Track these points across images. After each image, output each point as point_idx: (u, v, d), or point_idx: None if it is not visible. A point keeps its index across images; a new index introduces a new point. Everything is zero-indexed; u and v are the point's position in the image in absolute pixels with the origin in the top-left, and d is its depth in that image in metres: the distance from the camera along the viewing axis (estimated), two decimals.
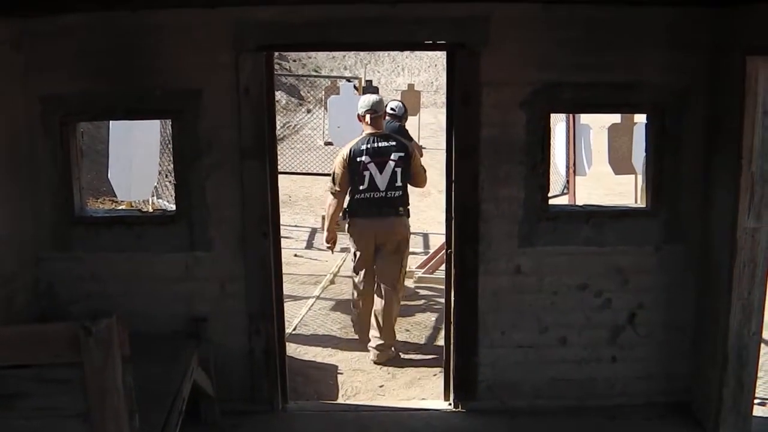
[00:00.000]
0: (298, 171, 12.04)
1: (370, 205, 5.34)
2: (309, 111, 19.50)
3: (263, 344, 4.16)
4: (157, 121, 6.35)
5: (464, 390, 4.25)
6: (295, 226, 10.01)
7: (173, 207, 4.28)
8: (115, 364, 2.26)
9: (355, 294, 5.64)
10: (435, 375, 5.01)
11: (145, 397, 2.62)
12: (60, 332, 2.26)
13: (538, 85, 3.95)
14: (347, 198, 5.45)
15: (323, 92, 14.48)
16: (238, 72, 3.93)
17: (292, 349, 5.35)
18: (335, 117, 9.37)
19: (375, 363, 5.26)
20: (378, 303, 5.42)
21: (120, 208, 8.45)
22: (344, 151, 5.49)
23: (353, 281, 5.69)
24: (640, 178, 8.41)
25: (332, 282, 7.26)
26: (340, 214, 5.46)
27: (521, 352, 4.21)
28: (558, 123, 8.50)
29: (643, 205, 4.26)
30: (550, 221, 4.10)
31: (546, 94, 3.97)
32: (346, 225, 5.48)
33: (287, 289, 6.11)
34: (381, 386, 4.94)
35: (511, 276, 4.13)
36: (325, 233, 5.67)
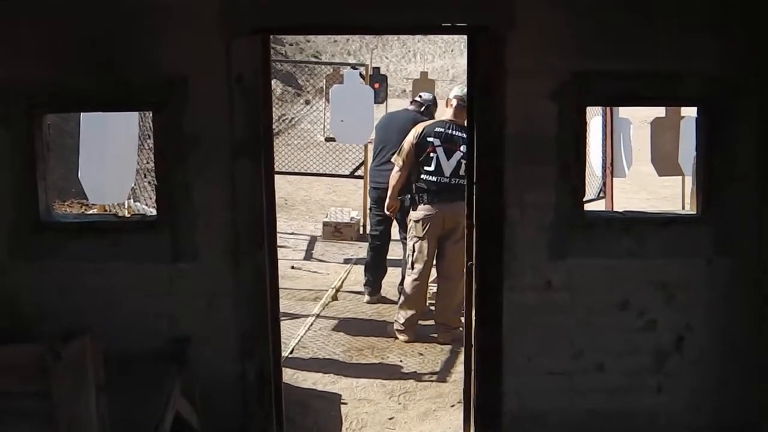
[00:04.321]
0: (296, 171, 12.05)
1: (437, 190, 6.09)
2: (308, 102, 19.54)
3: (256, 368, 4.16)
4: (136, 114, 6.36)
5: (486, 423, 4.23)
6: (292, 233, 10.02)
7: (153, 212, 4.28)
8: (88, 393, 2.25)
9: (402, 299, 6.30)
10: (452, 406, 5.00)
11: (122, 429, 2.61)
12: (23, 356, 2.24)
13: (571, 73, 3.96)
14: (413, 186, 6.20)
15: (324, 81, 14.51)
16: (229, 58, 3.94)
17: (289, 375, 5.35)
18: (338, 109, 9.38)
19: (405, 341, 6.11)
20: (444, 284, 6.22)
21: (92, 212, 8.48)
22: (417, 129, 6.31)
23: (401, 287, 6.43)
24: (688, 180, 8.41)
25: (335, 298, 7.27)
26: (407, 203, 6.33)
27: (552, 380, 4.20)
28: (594, 117, 8.49)
29: (692, 212, 4.24)
30: (584, 229, 4.09)
31: (580, 84, 3.97)
32: (410, 214, 6.24)
33: (284, 305, 6.11)
34: (391, 419, 4.93)
35: (539, 292, 4.13)
36: (388, 201, 6.59)
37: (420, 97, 7.39)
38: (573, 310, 4.15)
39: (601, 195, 8.79)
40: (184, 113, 3.99)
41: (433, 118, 7.06)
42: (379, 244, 7.31)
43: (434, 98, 7.35)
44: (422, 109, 7.18)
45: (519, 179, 4.04)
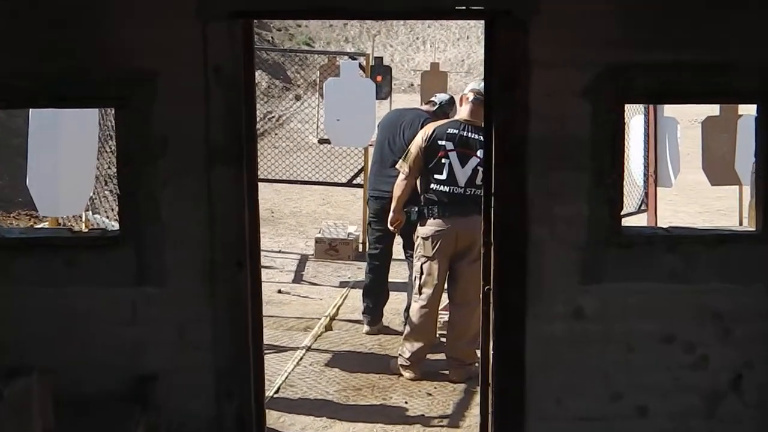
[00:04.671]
0: (284, 178, 12.08)
1: (450, 201, 6.10)
2: (298, 98, 19.59)
3: (235, 411, 4.16)
4: (95, 112, 6.38)
5: None
6: (280, 252, 10.01)
7: (116, 226, 4.30)
8: None
9: (407, 329, 6.30)
10: None
11: None
12: None
13: (607, 65, 3.97)
14: (421, 197, 6.24)
15: (317, 73, 14.53)
16: (205, 46, 3.96)
17: (275, 418, 5.35)
18: (333, 106, 9.40)
19: (411, 379, 6.11)
20: (457, 312, 6.20)
21: (42, 226, 8.49)
22: (427, 130, 6.33)
23: (406, 315, 6.37)
24: (746, 190, 8.41)
25: (329, 328, 7.26)
26: (413, 217, 6.33)
27: (585, 427, 4.19)
28: (634, 116, 8.51)
29: (751, 228, 4.24)
30: (623, 248, 4.10)
31: (617, 78, 3.98)
32: (417, 230, 6.26)
33: (268, 336, 6.10)
34: None
35: (569, 322, 4.13)
36: (391, 214, 6.56)
37: (435, 97, 7.40)
38: (609, 343, 4.15)
39: (642, 208, 8.80)
40: (152, 110, 4.00)
41: (448, 118, 7.08)
42: (380, 265, 7.31)
43: (451, 98, 7.33)
44: (435, 109, 7.18)
45: (545, 190, 4.05)
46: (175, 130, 4.03)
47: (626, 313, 4.13)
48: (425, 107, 7.41)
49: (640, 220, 8.49)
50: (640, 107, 8.40)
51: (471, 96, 6.27)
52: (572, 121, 4.01)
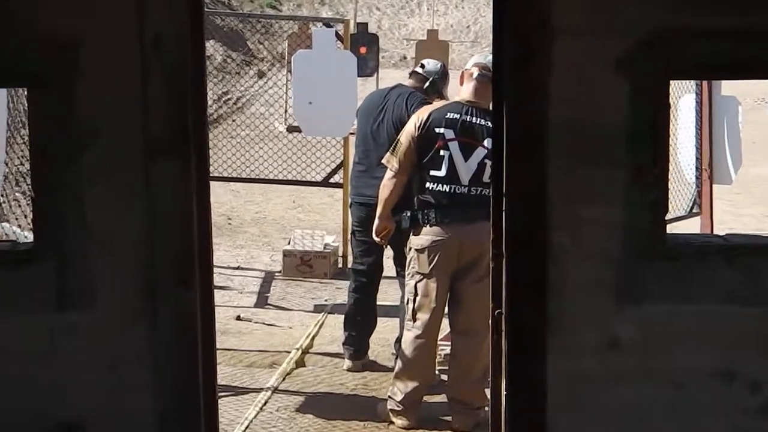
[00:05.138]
0: (244, 176, 12.08)
1: (450, 204, 6.12)
2: (261, 75, 19.60)
3: None
4: (2, 93, 6.36)
5: None
6: (238, 268, 10.00)
7: (29, 237, 4.28)
8: None
9: (399, 365, 6.31)
10: None
11: None
12: None
13: (648, 32, 3.97)
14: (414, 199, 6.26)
15: (285, 44, 14.55)
16: (141, 11, 3.96)
17: None
18: (305, 86, 9.42)
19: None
20: (461, 343, 6.22)
21: None
22: (421, 114, 6.35)
23: (398, 347, 6.49)
24: None
25: (301, 363, 7.28)
26: (405, 224, 6.35)
27: None
28: (683, 95, 8.52)
29: None
30: (668, 262, 4.10)
31: (661, 47, 3.98)
32: (410, 240, 6.27)
33: (225, 374, 6.08)
34: None
35: (602, 355, 4.13)
36: (377, 221, 6.58)
37: (422, 67, 7.38)
38: (652, 380, 4.15)
39: (694, 211, 8.82)
40: (75, 91, 4.00)
41: (442, 97, 7.08)
42: (366, 284, 7.33)
43: (443, 68, 7.36)
44: (425, 85, 7.21)
45: (570, 189, 4.05)
46: (105, 116, 4.02)
47: (673, 343, 4.13)
48: (409, 82, 7.40)
49: (691, 226, 8.51)
50: (691, 84, 8.41)
51: (475, 72, 6.28)
52: (604, 103, 4.01)
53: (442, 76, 7.22)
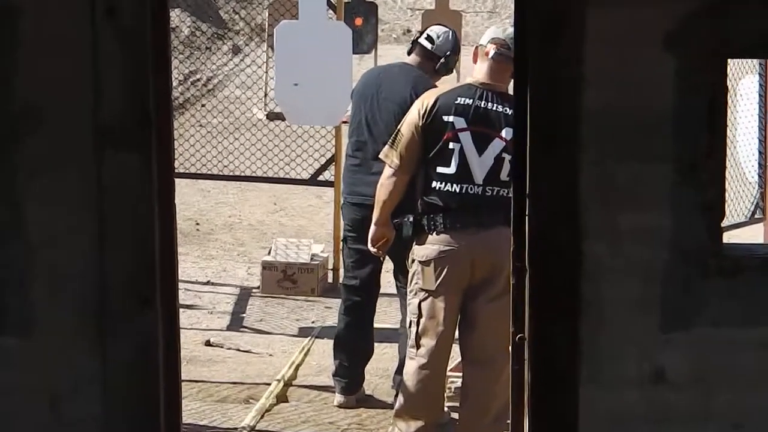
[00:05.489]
0: (215, 173, 12.07)
1: (461, 207, 6.12)
2: (237, 51, 19.61)
3: None
4: None
5: None
6: (209, 283, 9.99)
7: None
8: None
9: (401, 400, 6.33)
10: None
11: None
12: None
13: (703, 1, 3.95)
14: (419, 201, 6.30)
15: (265, 13, 14.56)
16: None
17: None
18: (289, 64, 9.40)
19: None
20: (475, 374, 6.24)
21: None
22: (426, 100, 6.30)
23: (398, 377, 6.53)
24: None
25: (282, 398, 7.26)
26: (407, 231, 6.32)
27: None
28: (744, 77, 8.49)
29: None
30: (725, 277, 4.09)
31: (717, 19, 3.97)
32: (413, 250, 6.26)
33: (191, 411, 6.04)
34: None
35: (645, 389, 4.12)
36: (373, 227, 6.50)
37: (429, 40, 7.26)
38: (706, 420, 4.13)
39: (756, 216, 8.80)
40: (13, 67, 3.99)
41: (449, 69, 7.04)
42: (361, 303, 7.32)
43: (455, 40, 7.29)
44: (437, 65, 7.15)
45: (606, 189, 4.04)
46: (49, 100, 4.02)
47: (731, 375, 4.11)
48: (412, 59, 7.33)
49: (753, 234, 8.49)
50: (753, 63, 8.40)
51: (492, 49, 6.27)
52: (647, 86, 4.00)
53: (454, 50, 7.16)
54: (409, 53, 7.31)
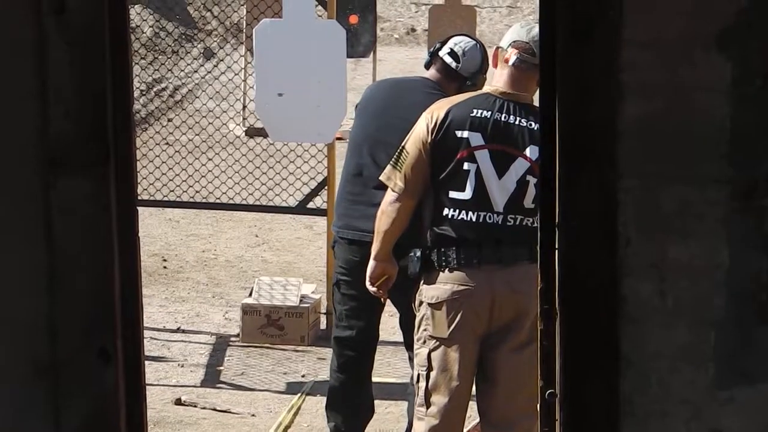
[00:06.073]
0: (185, 200, 12.10)
1: (478, 239, 6.13)
2: (209, 55, 19.66)
3: None
4: None
5: None
6: (179, 330, 9.98)
7: None
8: None
9: None
10: None
11: None
12: None
13: None
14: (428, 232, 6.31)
15: (243, 10, 14.61)
16: None
17: None
18: (272, 69, 9.43)
19: None
20: None
21: None
22: (436, 112, 6.29)
23: None
24: None
25: None
26: (414, 268, 6.34)
27: None
28: None
29: None
30: None
31: None
32: (421, 291, 6.30)
33: None
34: None
35: None
36: (371, 263, 6.45)
37: (453, 57, 7.16)
38: None
39: None
40: None
41: (479, 84, 7.06)
42: (357, 357, 7.33)
43: (483, 56, 7.15)
44: (462, 85, 7.06)
45: (651, 216, 4.05)
46: None
47: None
48: (430, 74, 7.29)
49: None
50: None
51: (513, 55, 6.24)
52: (697, 95, 4.00)
53: (481, 68, 7.07)
54: (426, 67, 7.23)
